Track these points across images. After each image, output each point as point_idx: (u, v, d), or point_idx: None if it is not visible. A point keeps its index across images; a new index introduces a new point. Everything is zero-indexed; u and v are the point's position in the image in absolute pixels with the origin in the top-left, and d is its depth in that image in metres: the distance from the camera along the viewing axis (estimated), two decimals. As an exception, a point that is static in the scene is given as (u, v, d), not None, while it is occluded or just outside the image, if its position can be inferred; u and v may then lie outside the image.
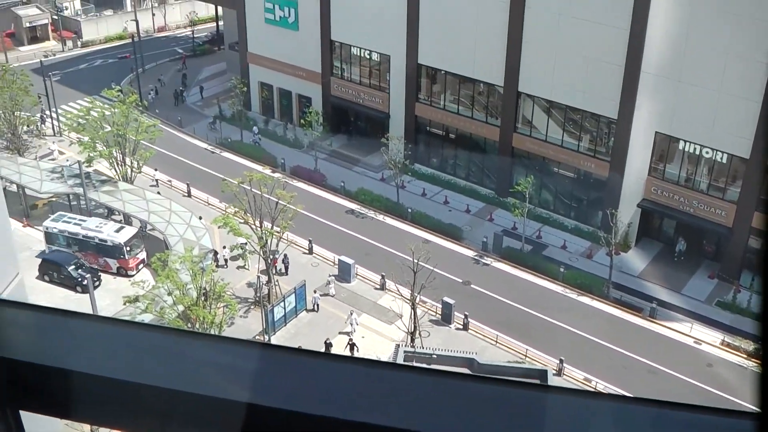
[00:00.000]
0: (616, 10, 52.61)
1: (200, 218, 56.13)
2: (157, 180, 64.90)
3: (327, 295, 52.14)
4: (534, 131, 60.12)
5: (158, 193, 61.54)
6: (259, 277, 50.46)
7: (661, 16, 50.95)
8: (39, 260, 53.30)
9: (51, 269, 52.78)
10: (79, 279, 51.03)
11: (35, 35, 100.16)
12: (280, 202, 49.87)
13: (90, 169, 60.67)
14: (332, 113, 71.29)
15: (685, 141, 52.77)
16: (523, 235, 56.39)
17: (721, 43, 48.83)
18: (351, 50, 69.01)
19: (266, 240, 49.81)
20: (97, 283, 51.43)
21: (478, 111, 63.05)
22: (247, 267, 53.40)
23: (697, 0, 49.22)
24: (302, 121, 68.57)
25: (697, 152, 52.61)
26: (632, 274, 54.43)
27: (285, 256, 53.06)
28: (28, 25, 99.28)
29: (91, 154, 59.25)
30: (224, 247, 55.21)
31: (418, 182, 64.89)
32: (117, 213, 58.51)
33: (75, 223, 55.18)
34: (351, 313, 48.94)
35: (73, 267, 51.14)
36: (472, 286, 53.02)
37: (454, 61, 62.08)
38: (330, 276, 53.34)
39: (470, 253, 56.43)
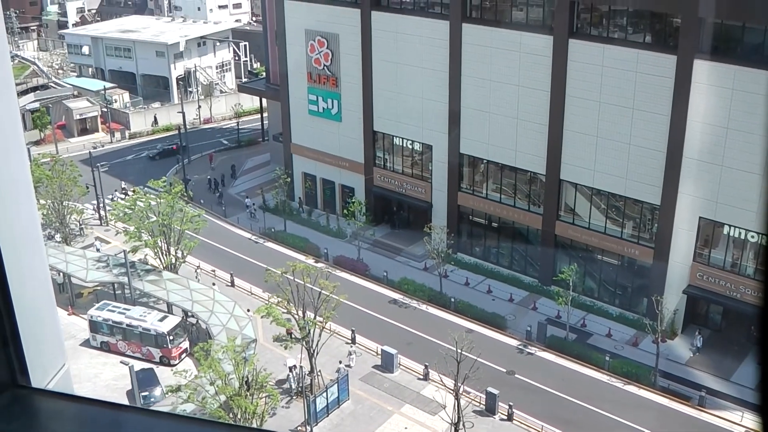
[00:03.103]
0: (657, 97, 52.78)
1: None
2: (197, 268, 65.20)
3: (349, 366, 52.60)
4: (577, 219, 59.96)
5: (197, 279, 62.02)
6: (301, 367, 50.24)
7: (702, 102, 51.02)
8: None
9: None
10: (143, 399, 48.86)
11: (85, 127, 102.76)
12: (323, 292, 49.91)
13: (135, 259, 61.42)
14: (375, 203, 71.75)
15: (730, 225, 52.26)
16: (567, 324, 55.79)
17: (761, 126, 48.71)
18: (393, 141, 69.73)
19: (309, 330, 49.71)
20: (152, 400, 49.42)
21: (520, 199, 63.11)
22: (290, 386, 51.75)
23: (736, 84, 49.30)
24: (345, 211, 69.02)
25: (743, 237, 52.06)
26: (679, 361, 53.49)
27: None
28: (78, 117, 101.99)
29: (136, 244, 60.07)
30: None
31: (461, 271, 64.73)
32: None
33: (119, 312, 55.63)
34: None
35: (146, 392, 49.82)
36: (517, 375, 52.34)
37: (495, 151, 62.45)
38: (351, 347, 53.99)
39: (514, 343, 55.86)
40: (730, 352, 53.83)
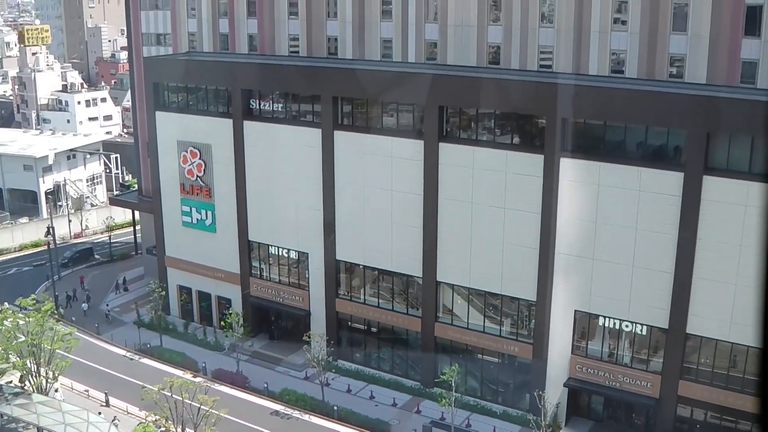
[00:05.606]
0: (527, 195, 54.03)
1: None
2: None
3: None
4: (455, 319, 60.25)
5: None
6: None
7: (569, 198, 52.47)
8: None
9: None
10: None
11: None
12: (202, 407, 48.52)
13: (1, 382, 58.55)
14: (252, 314, 70.69)
15: (605, 317, 53.40)
16: (452, 425, 55.46)
17: (629, 219, 50.44)
18: (269, 249, 69.20)
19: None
20: None
21: (398, 303, 63.15)
22: None
23: (601, 179, 50.96)
24: (222, 323, 67.72)
25: (618, 327, 53.15)
26: (565, 457, 53.74)
27: None
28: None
29: (3, 366, 57.33)
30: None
31: (342, 379, 63.94)
32: None
33: (-15, 442, 52.79)
34: None
35: None
36: (404, 481, 51.58)
37: (372, 255, 62.60)
38: None
39: (400, 448, 55.19)
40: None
